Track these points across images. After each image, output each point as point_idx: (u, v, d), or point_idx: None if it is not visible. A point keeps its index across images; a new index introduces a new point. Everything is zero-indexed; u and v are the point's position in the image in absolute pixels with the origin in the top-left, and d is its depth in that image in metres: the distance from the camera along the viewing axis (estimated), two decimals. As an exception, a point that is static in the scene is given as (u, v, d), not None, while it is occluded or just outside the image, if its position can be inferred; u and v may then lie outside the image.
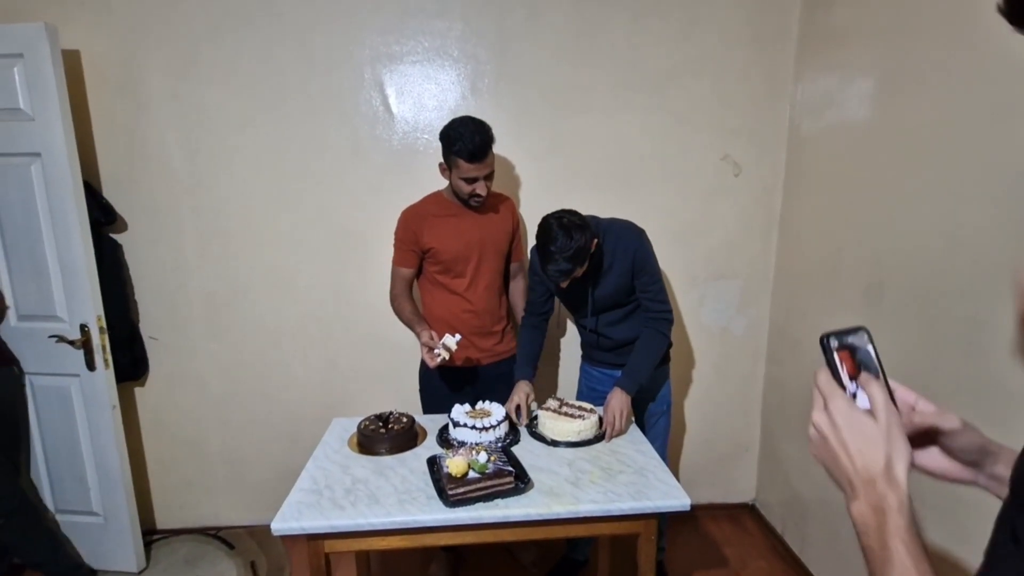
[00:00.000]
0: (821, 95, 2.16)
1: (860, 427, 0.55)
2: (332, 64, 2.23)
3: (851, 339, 0.61)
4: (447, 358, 1.78)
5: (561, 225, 1.68)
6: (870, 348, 0.60)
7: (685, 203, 2.43)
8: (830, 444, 0.56)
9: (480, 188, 1.86)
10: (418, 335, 1.87)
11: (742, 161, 2.41)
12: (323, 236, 2.36)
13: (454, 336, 1.80)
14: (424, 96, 2.27)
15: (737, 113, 2.36)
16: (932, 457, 0.64)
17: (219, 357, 2.45)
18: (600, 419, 1.85)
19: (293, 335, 2.43)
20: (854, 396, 0.58)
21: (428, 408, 2.11)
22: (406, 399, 2.22)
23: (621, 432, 1.81)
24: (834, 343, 0.60)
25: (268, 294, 2.40)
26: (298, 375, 2.47)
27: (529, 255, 2.07)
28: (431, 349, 1.80)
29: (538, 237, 1.72)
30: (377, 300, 2.16)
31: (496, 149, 2.06)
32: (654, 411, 2.05)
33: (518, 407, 1.89)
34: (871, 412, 0.56)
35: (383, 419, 1.81)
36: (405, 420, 1.80)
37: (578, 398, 2.16)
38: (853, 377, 0.59)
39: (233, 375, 2.46)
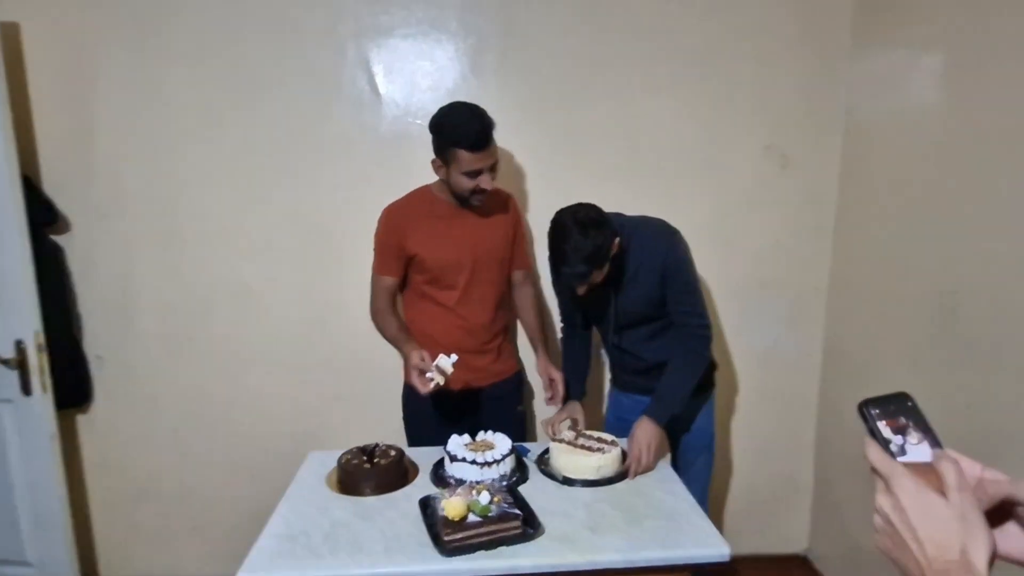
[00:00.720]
0: (882, 73, 2.17)
1: (930, 509, 0.55)
2: (310, 39, 2.25)
3: (894, 406, 0.62)
4: (441, 383, 1.78)
5: (576, 221, 1.69)
6: (919, 413, 0.61)
7: (723, 201, 2.43)
8: (897, 531, 0.56)
9: (485, 181, 1.88)
10: (406, 356, 1.86)
11: (790, 151, 2.42)
12: (298, 240, 2.38)
13: (450, 356, 1.79)
14: (417, 75, 2.29)
15: (783, 95, 2.37)
16: (1015, 540, 0.62)
17: (177, 380, 2.46)
18: (624, 453, 1.84)
19: (263, 354, 2.45)
20: (903, 451, 0.60)
21: (415, 440, 2.12)
22: (394, 429, 2.22)
23: (648, 469, 1.81)
24: (875, 411, 0.61)
25: (235, 307, 2.41)
26: (269, 401, 2.48)
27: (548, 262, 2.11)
28: (422, 372, 1.80)
29: (550, 235, 1.74)
30: (361, 313, 2.15)
31: (501, 138, 2.03)
32: (692, 446, 2.05)
33: (555, 425, 1.96)
34: (940, 490, 0.56)
35: (367, 453, 1.81)
36: (393, 454, 1.80)
37: (606, 429, 2.16)
38: (899, 432, 0.60)
39: (193, 401, 2.48)
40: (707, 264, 2.42)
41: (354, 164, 2.33)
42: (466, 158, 1.83)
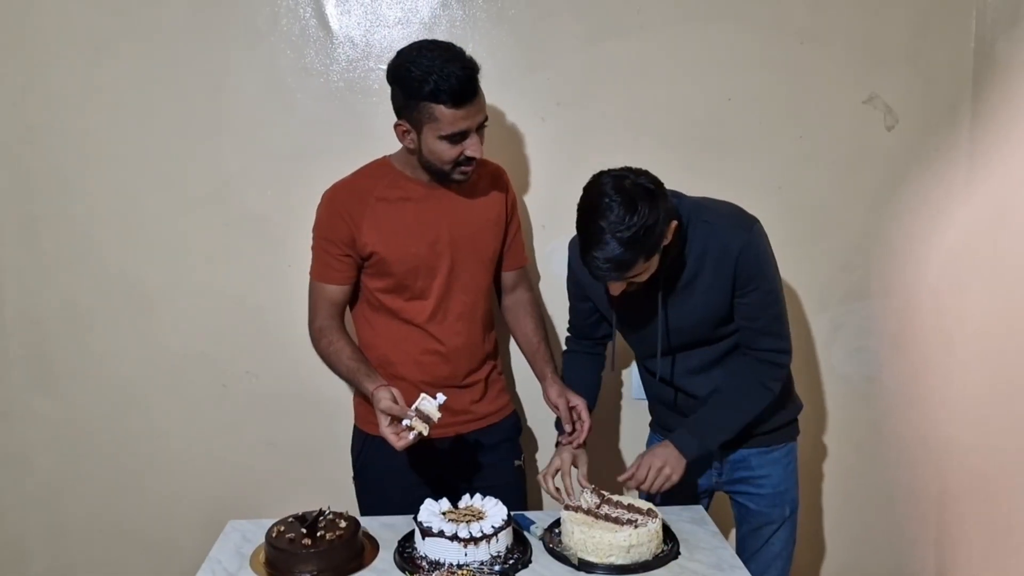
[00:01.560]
0: None
1: None
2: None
3: None
4: (425, 434, 1.77)
5: (620, 187, 1.67)
6: None
7: (805, 176, 2.43)
8: None
9: (474, 147, 1.88)
10: (372, 396, 1.84)
11: (898, 105, 2.39)
12: (218, 229, 2.38)
13: (435, 398, 1.78)
14: (381, 2, 2.30)
15: (891, 27, 2.36)
16: None
17: (49, 422, 2.46)
18: (667, 531, 1.84)
19: (166, 384, 2.45)
20: None
21: (372, 506, 2.12)
22: (349, 490, 2.22)
23: (652, 490, 1.87)
24: None
25: (129, 322, 2.41)
26: (175, 451, 2.48)
27: (548, 256, 2.15)
28: (396, 420, 1.78)
29: (582, 206, 1.73)
30: (302, 330, 2.16)
31: (498, 92, 2.09)
32: (765, 518, 2.06)
33: (559, 484, 1.93)
34: None
35: (308, 523, 1.79)
36: (344, 525, 1.80)
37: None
38: None
39: (71, 450, 2.47)
40: (781, 263, 2.39)
41: (296, 124, 2.34)
42: (447, 116, 1.83)
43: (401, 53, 1.89)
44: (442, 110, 1.82)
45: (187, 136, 2.33)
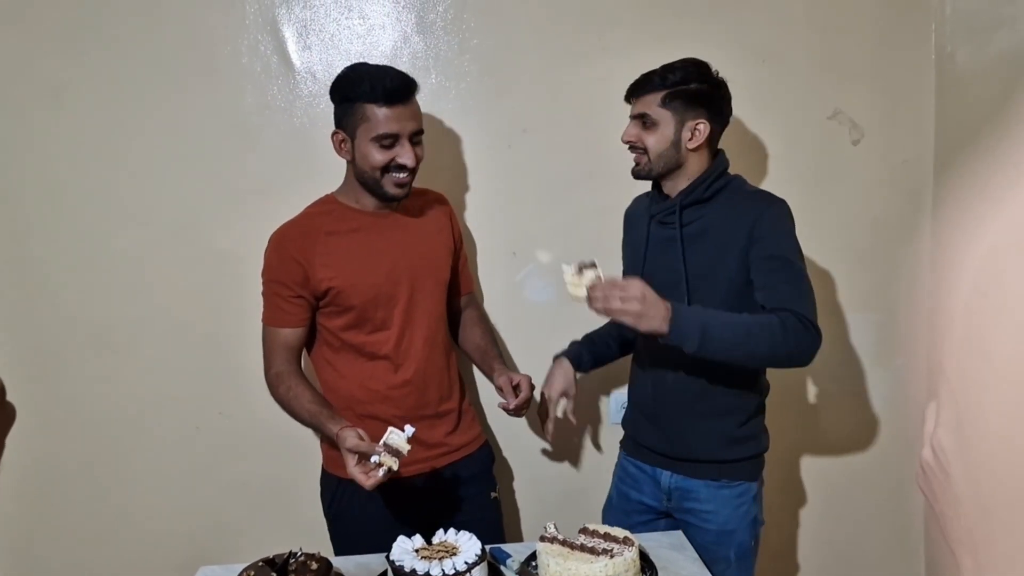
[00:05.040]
0: (987, 4, 2.16)
1: None
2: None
3: None
4: (395, 468, 1.73)
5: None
6: None
7: (773, 192, 2.36)
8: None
9: (406, 155, 1.87)
10: (337, 438, 1.80)
11: (863, 119, 2.40)
12: (185, 269, 2.37)
13: (403, 431, 1.75)
14: (341, 37, 2.30)
15: (852, 42, 2.37)
16: None
17: (16, 468, 2.36)
18: (645, 559, 1.79)
19: (138, 431, 2.42)
20: None
21: (345, 545, 2.07)
22: (320, 530, 2.19)
23: (599, 305, 1.67)
24: None
25: (97, 366, 2.40)
26: (147, 496, 2.45)
27: (520, 283, 2.20)
28: (364, 457, 1.74)
29: None
30: None
31: (463, 121, 2.12)
32: (711, 552, 1.93)
33: (547, 412, 2.01)
34: None
35: (278, 567, 1.75)
36: (316, 567, 1.74)
37: (606, 514, 2.12)
38: None
39: (40, 497, 2.44)
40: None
41: (259, 159, 2.34)
42: (378, 116, 1.85)
43: (342, 71, 1.94)
44: (374, 109, 1.84)
45: (150, 175, 2.32)
